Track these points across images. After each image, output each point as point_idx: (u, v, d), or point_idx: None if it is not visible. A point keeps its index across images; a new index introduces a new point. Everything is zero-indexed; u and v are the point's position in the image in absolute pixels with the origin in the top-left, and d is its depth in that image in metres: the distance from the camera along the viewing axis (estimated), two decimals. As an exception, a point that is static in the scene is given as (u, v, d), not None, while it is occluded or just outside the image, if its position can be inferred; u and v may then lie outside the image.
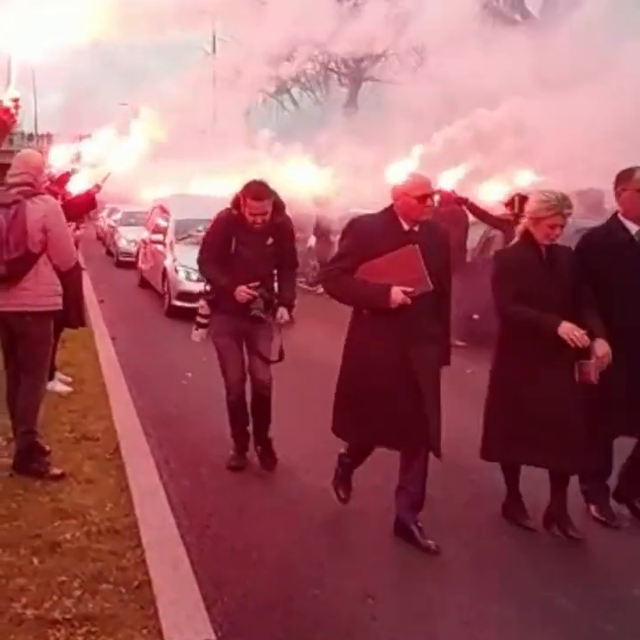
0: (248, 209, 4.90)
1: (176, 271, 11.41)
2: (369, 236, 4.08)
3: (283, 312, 5.11)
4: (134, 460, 4.99)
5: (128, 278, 15.85)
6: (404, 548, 4.12)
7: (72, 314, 6.27)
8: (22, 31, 3.05)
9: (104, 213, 25.52)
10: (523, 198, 8.29)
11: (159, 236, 13.01)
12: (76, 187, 7.40)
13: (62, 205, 5.34)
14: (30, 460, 4.73)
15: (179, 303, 11.03)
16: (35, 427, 4.84)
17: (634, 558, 4.13)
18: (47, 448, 4.94)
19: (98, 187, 7.04)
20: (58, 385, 6.54)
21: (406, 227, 4.06)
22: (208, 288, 5.25)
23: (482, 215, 8.87)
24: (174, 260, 11.61)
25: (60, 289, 4.88)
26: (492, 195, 8.91)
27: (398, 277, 3.93)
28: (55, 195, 5.83)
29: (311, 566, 3.90)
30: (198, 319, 5.28)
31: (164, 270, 12.00)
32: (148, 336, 10.20)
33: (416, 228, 4.07)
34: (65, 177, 7.36)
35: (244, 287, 4.92)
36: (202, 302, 5.26)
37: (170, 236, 12.60)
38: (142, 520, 4.12)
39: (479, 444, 4.45)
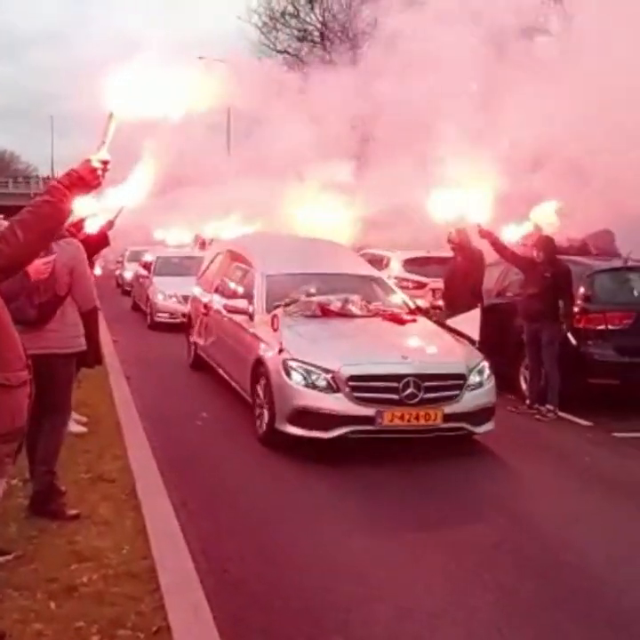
0: None
1: (286, 372, 6.41)
2: None
3: None
4: (151, 502, 4.90)
5: (168, 349, 11.46)
6: (431, 596, 4.01)
7: (89, 353, 6.23)
8: (128, 92, 2.96)
9: (125, 257, 22.14)
10: (549, 240, 8.28)
11: (241, 303, 7.90)
12: (91, 228, 7.41)
13: (77, 245, 5.36)
14: (48, 502, 4.66)
15: (293, 431, 6.31)
16: (54, 467, 4.79)
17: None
18: (63, 489, 4.88)
19: (110, 223, 6.99)
20: (73, 425, 6.45)
21: None
22: None
23: (505, 253, 8.59)
24: (281, 351, 6.51)
25: (82, 330, 4.89)
26: (510, 233, 8.78)
27: None
28: (73, 236, 5.85)
29: (336, 612, 3.78)
30: None
31: (258, 364, 6.91)
32: (163, 376, 9.96)
33: None
34: (80, 223, 7.38)
35: None
36: None
37: (259, 305, 7.65)
38: (160, 563, 4.01)
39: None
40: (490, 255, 9.03)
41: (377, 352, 6.73)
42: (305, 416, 6.23)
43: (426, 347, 7.06)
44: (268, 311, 7.33)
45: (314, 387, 6.28)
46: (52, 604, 3.56)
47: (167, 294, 14.65)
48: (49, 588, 3.70)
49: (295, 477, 5.86)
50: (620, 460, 6.60)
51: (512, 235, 8.77)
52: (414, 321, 7.49)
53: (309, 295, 7.69)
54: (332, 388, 6.23)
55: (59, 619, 3.44)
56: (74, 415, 6.65)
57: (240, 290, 8.49)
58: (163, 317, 14.55)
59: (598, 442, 7.09)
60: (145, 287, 16.17)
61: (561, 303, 7.99)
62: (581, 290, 8.27)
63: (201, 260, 11.66)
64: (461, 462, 6.25)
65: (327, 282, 8.06)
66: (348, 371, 6.25)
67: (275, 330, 6.64)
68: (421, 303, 8.03)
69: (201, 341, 9.56)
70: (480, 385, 6.61)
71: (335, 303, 7.50)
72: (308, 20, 26.64)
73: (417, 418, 6.19)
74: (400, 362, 6.39)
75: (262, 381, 6.77)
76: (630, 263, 8.85)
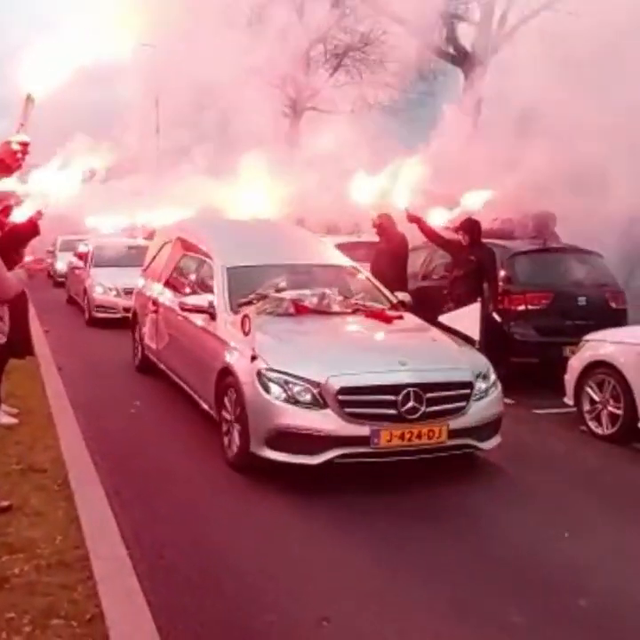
0: None
1: (262, 384, 5.44)
2: None
3: None
4: (84, 491, 4.93)
5: (106, 343, 11.28)
6: (361, 572, 4.19)
7: (18, 344, 6.18)
8: (40, 68, 2.88)
9: (57, 246, 21.45)
10: (474, 223, 8.50)
11: (200, 300, 6.77)
12: (19, 216, 7.28)
13: (4, 234, 5.25)
14: (-24, 495, 4.64)
15: (272, 456, 5.35)
16: (-21, 460, 4.76)
17: (578, 570, 4.27)
18: (-8, 481, 4.86)
19: (40, 213, 6.88)
20: (3, 417, 6.41)
21: None
22: None
23: (433, 236, 8.70)
24: (254, 358, 5.55)
25: None
26: (437, 217, 8.93)
27: None
28: (1, 225, 5.75)
29: (268, 593, 3.92)
30: None
31: (225, 374, 5.95)
32: (96, 364, 9.86)
33: None
34: (7, 210, 7.24)
35: None
36: None
37: (221, 303, 6.59)
38: (93, 552, 4.06)
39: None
40: (415, 239, 9.24)
41: (369, 358, 5.73)
42: (286, 438, 5.26)
43: (423, 350, 6.09)
44: (232, 309, 6.45)
45: (296, 402, 5.30)
46: (-17, 597, 3.58)
47: (107, 287, 13.70)
48: (-21, 581, 3.71)
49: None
50: (542, 437, 6.93)
51: (438, 218, 8.94)
52: (401, 317, 6.59)
53: (279, 290, 6.64)
54: (317, 402, 5.27)
55: (-11, 610, 3.46)
56: (3, 407, 6.59)
57: (196, 285, 7.48)
58: (102, 312, 13.60)
59: (520, 418, 7.39)
60: (81, 279, 15.00)
61: (486, 285, 8.28)
62: (502, 272, 8.59)
63: (143, 250, 10.89)
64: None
65: (298, 274, 7.06)
66: (336, 382, 5.27)
67: (246, 333, 5.69)
68: (403, 297, 7.30)
69: (150, 342, 8.49)
70: (486, 393, 5.74)
71: (311, 299, 6.50)
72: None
73: (419, 436, 5.29)
74: (397, 369, 5.45)
75: (231, 395, 5.79)
76: (548, 245, 9.24)
